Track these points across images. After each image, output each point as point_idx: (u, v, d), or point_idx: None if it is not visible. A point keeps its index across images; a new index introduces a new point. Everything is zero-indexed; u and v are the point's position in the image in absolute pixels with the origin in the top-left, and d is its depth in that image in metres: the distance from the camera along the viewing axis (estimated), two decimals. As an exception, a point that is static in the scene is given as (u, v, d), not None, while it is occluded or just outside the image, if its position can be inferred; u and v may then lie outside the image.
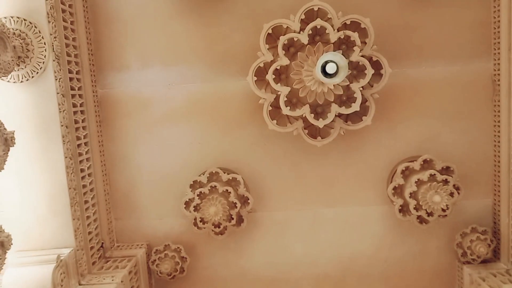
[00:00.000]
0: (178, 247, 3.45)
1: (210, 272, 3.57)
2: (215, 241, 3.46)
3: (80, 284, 3.02)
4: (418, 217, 3.27)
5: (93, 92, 3.35)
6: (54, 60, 2.86)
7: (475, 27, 3.33)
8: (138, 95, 3.42)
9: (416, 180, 3.20)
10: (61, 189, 2.93)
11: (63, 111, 2.92)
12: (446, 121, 3.42)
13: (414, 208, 3.22)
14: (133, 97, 3.42)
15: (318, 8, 3.08)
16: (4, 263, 2.33)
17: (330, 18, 3.08)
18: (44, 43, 2.82)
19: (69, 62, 3.06)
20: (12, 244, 2.36)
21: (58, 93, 2.88)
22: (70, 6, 3.12)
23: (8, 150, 2.46)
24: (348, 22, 3.09)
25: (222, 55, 3.39)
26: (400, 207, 3.33)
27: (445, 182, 3.18)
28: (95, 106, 3.36)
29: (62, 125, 2.90)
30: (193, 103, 3.43)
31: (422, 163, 3.29)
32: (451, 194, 3.17)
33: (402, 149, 3.46)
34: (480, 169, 3.45)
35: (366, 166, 3.48)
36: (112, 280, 3.06)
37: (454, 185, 3.23)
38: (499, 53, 3.27)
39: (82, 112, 3.20)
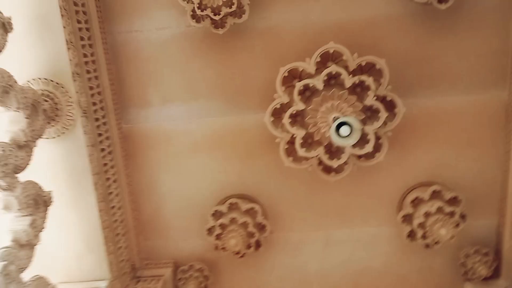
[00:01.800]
0: (201, 268, 3.79)
1: (231, 286, 3.94)
2: (236, 261, 3.77)
3: (117, 308, 3.42)
4: (425, 244, 3.52)
5: (118, 129, 3.53)
6: (82, 116, 3.03)
7: (490, 56, 3.33)
8: (160, 129, 3.59)
9: (424, 212, 3.41)
10: (95, 229, 3.21)
11: (94, 160, 3.14)
12: (457, 149, 3.53)
13: (422, 237, 3.46)
14: (155, 131, 3.59)
15: (334, 50, 3.14)
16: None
17: (346, 59, 3.15)
18: (72, 102, 2.97)
19: (95, 111, 3.22)
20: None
21: (87, 146, 3.08)
22: (92, 54, 3.21)
23: (7, 35, 2.46)
24: (363, 63, 3.17)
25: (240, 90, 3.50)
26: (408, 233, 3.57)
27: (452, 214, 3.38)
28: (120, 141, 3.56)
29: (93, 174, 3.14)
30: (213, 136, 3.59)
31: (431, 193, 3.48)
32: (457, 225, 3.39)
33: (413, 175, 3.61)
34: (488, 193, 3.60)
35: (378, 191, 3.66)
36: (146, 302, 3.46)
37: (460, 214, 3.44)
38: (514, 83, 3.32)
39: (109, 152, 3.41)
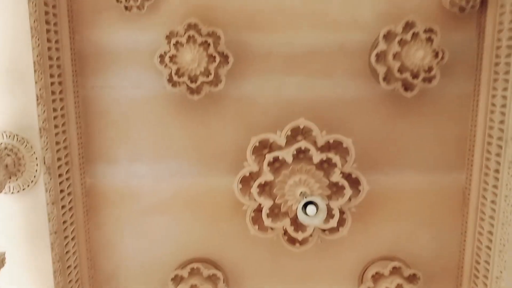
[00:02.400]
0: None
1: None
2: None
3: None
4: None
5: (82, 184, 3.44)
6: (45, 173, 2.94)
7: (451, 141, 3.51)
8: (125, 187, 3.52)
9: (385, 290, 3.47)
10: (48, 291, 3.08)
11: (53, 219, 3.03)
12: (418, 226, 3.63)
13: (381, 312, 3.50)
14: (121, 188, 3.52)
15: (304, 125, 3.24)
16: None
17: (315, 135, 3.25)
18: (36, 158, 2.89)
19: (59, 166, 3.14)
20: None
21: (48, 204, 2.98)
22: (62, 108, 3.16)
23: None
24: (331, 141, 3.27)
25: (210, 153, 3.51)
26: (369, 307, 3.60)
27: (411, 291, 3.45)
28: (83, 197, 3.46)
29: (51, 234, 3.02)
30: (179, 197, 3.55)
31: (391, 269, 3.54)
32: (415, 302, 3.45)
33: (374, 249, 3.67)
34: (446, 270, 3.69)
35: (341, 262, 3.68)
36: None
37: (418, 292, 3.52)
38: (471, 168, 3.49)
39: (70, 209, 3.30)
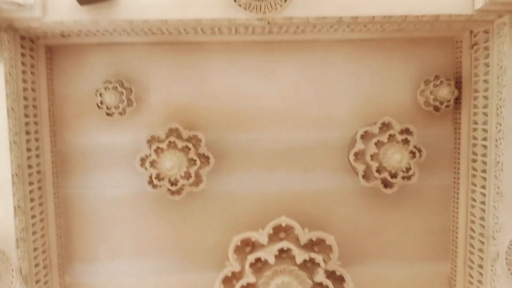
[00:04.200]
0: None
1: None
2: None
3: None
4: None
5: (61, 284, 3.36)
6: (21, 283, 2.87)
7: (433, 232, 3.52)
8: (106, 286, 3.44)
9: None
10: None
11: (28, 330, 2.94)
12: (405, 318, 3.59)
13: None
14: (100, 287, 3.45)
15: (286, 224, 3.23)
16: None
17: (297, 233, 3.23)
18: (12, 270, 2.83)
19: (36, 273, 3.07)
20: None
21: (24, 316, 2.90)
22: (41, 212, 3.14)
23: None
24: (314, 238, 3.25)
25: (192, 250, 3.47)
26: None
27: None
28: (62, 297, 3.39)
29: None
30: (161, 294, 3.50)
31: None
32: None
33: None
34: None
35: None
36: None
37: None
38: (456, 259, 3.47)
39: (48, 312, 3.22)
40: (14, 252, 2.85)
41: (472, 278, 3.28)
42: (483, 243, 3.15)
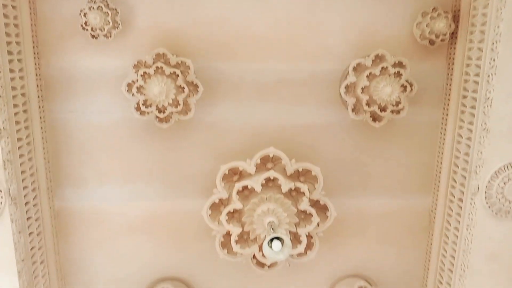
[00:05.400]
0: None
1: None
2: None
3: None
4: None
5: (50, 207, 3.42)
6: (10, 204, 2.91)
7: (418, 167, 3.58)
8: (94, 209, 3.50)
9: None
10: (16, 319, 3.10)
11: (20, 248, 3.02)
12: (383, 247, 3.72)
13: (346, 331, 3.63)
14: (89, 211, 3.50)
15: (273, 154, 3.25)
16: None
17: (284, 164, 3.27)
18: (1, 190, 2.86)
19: (25, 195, 3.10)
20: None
21: (14, 234, 2.96)
22: (27, 136, 3.11)
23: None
24: (300, 169, 3.29)
25: (179, 177, 3.50)
26: (334, 325, 3.72)
27: (375, 312, 3.58)
28: (51, 219, 3.45)
29: (17, 262, 3.01)
30: (149, 219, 3.56)
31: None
32: (379, 323, 3.58)
33: (341, 268, 3.76)
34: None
35: (309, 281, 3.78)
36: None
37: (383, 310, 3.65)
38: (437, 193, 3.57)
39: (38, 234, 3.29)
40: (1, 174, 2.86)
41: (452, 211, 3.40)
42: (465, 178, 3.22)
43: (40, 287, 3.32)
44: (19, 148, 3.02)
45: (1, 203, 2.88)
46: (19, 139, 3.02)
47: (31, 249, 3.21)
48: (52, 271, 3.50)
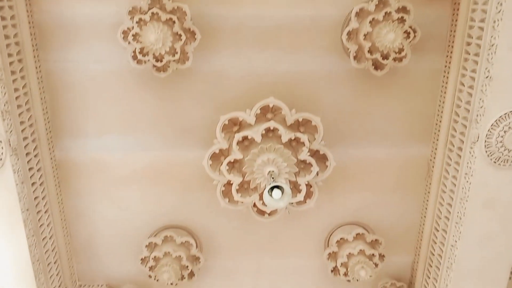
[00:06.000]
0: (135, 292, 3.89)
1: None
2: (169, 286, 3.88)
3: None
4: (347, 279, 3.81)
5: (51, 158, 3.44)
6: (11, 155, 2.92)
7: (418, 116, 3.55)
8: (95, 159, 3.53)
9: (348, 253, 3.68)
10: (26, 265, 3.19)
11: (23, 197, 3.06)
12: (382, 195, 3.78)
13: (344, 274, 3.74)
14: (90, 160, 3.53)
15: (273, 104, 3.22)
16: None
17: (284, 114, 3.24)
18: (1, 141, 2.85)
19: (26, 145, 3.11)
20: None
21: (17, 184, 3.00)
22: (24, 86, 3.06)
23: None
24: (300, 119, 3.27)
25: (179, 127, 3.49)
26: (332, 269, 3.84)
27: (372, 256, 3.68)
28: (53, 169, 3.48)
29: (22, 211, 3.07)
30: (149, 169, 3.59)
31: (355, 235, 3.75)
32: (376, 266, 3.69)
33: (340, 216, 3.85)
34: (407, 234, 3.93)
35: (308, 228, 3.87)
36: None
37: (380, 255, 3.75)
38: (437, 142, 3.57)
39: (41, 184, 3.33)
40: (0, 125, 2.85)
41: (450, 160, 3.41)
42: (465, 126, 3.20)
43: (46, 235, 3.41)
44: (16, 98, 2.99)
45: (2, 153, 2.90)
46: (16, 89, 2.98)
47: (34, 198, 3.26)
48: (56, 220, 3.58)
